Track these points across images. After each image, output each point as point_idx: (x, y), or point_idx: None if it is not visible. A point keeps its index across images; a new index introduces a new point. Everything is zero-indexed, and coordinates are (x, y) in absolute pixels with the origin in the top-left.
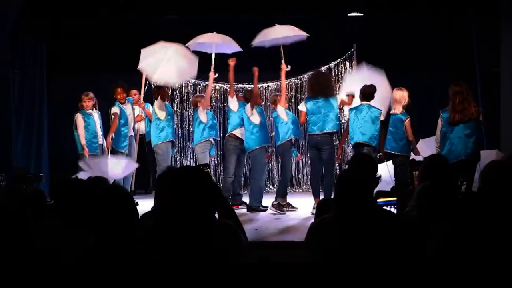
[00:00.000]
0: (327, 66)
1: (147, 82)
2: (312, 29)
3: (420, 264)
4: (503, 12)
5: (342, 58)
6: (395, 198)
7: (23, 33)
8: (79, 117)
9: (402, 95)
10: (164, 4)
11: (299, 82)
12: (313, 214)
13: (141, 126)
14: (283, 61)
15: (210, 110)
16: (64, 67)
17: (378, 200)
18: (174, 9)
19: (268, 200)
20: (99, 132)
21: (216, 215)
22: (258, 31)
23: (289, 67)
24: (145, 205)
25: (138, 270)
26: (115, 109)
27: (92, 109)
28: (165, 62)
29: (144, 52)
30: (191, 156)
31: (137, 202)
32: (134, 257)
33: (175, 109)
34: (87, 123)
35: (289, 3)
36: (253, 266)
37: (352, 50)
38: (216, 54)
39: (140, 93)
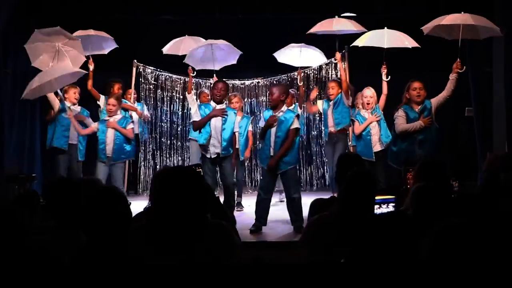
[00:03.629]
0: (318, 64)
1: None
2: (306, 29)
3: (415, 264)
4: (496, 12)
5: (334, 59)
6: (393, 196)
7: (15, 32)
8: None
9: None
10: (159, 4)
11: (289, 80)
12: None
13: (135, 126)
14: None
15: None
16: None
17: (376, 198)
18: (169, 9)
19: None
20: (73, 132)
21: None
22: (254, 30)
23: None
24: (137, 205)
25: (131, 270)
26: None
27: (75, 104)
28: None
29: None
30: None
31: (130, 202)
32: (127, 257)
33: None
34: (61, 116)
35: (282, 3)
36: (246, 266)
37: (343, 51)
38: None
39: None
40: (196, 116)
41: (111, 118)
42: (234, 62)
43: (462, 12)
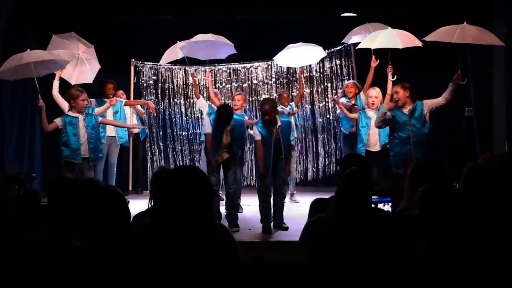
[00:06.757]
0: (319, 59)
1: (135, 78)
2: (306, 29)
3: (414, 265)
4: (496, 12)
5: (336, 49)
6: (388, 197)
7: (15, 33)
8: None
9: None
10: (159, 4)
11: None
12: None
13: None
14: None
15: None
16: None
17: (372, 197)
18: (168, 9)
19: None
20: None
21: None
22: (254, 30)
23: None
24: (137, 205)
25: (131, 270)
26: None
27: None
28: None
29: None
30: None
31: (128, 201)
32: (127, 257)
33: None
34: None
35: (282, 3)
36: (246, 266)
37: (350, 44)
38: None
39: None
40: (208, 128)
41: (80, 116)
42: (224, 57)
43: (465, 23)
